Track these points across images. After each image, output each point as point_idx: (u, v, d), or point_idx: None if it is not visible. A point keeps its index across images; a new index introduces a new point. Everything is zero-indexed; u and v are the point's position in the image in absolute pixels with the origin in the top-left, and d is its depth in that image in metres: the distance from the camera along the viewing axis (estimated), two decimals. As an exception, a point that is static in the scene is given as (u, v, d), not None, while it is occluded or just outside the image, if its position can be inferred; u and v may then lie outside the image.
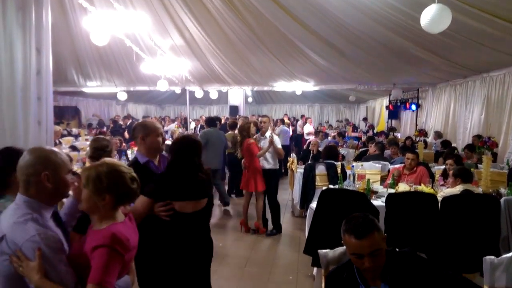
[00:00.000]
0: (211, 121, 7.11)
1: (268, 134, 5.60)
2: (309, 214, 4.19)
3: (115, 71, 10.71)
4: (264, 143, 5.52)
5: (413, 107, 11.72)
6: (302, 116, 16.63)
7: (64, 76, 10.72)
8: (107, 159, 1.71)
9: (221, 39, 8.07)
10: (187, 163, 2.40)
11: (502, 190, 4.19)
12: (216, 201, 6.97)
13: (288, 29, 6.97)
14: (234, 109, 15.82)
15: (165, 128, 12.10)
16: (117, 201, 1.63)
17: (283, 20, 6.53)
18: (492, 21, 4.67)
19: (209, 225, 2.61)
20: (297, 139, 13.40)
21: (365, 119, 17.56)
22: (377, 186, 4.83)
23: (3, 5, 3.64)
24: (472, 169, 4.57)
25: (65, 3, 7.35)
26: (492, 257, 2.15)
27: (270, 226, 5.55)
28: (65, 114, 14.03)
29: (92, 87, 11.99)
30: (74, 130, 11.97)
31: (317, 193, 4.62)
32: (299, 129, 13.96)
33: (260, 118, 5.94)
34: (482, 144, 4.77)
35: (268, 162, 5.48)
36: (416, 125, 11.46)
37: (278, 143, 5.53)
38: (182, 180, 2.35)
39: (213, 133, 6.82)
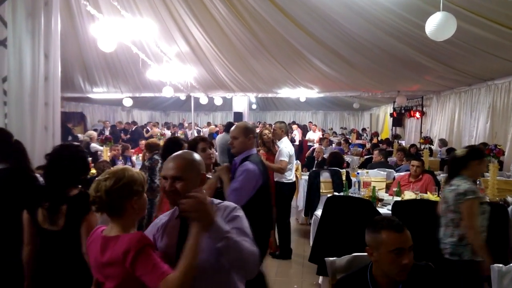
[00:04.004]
0: (227, 127, 7.26)
1: (280, 143, 4.88)
2: (314, 221, 4.18)
3: (121, 77, 10.79)
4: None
5: (418, 114, 11.70)
6: (309, 123, 16.56)
7: (71, 82, 10.81)
8: None
9: (226, 46, 8.13)
10: None
11: (509, 199, 4.16)
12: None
13: (292, 36, 7.01)
14: (238, 116, 15.84)
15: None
16: None
17: (288, 27, 6.57)
18: (497, 29, 4.68)
19: None
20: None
21: (363, 130, 17.28)
22: (382, 194, 4.81)
23: (13, 12, 3.69)
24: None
25: (73, 10, 7.44)
26: (500, 265, 2.13)
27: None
28: (71, 120, 14.09)
29: (98, 93, 12.07)
30: (80, 136, 12.01)
31: (322, 200, 4.61)
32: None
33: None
34: (489, 152, 4.72)
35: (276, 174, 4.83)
36: (421, 132, 11.43)
37: (283, 156, 4.68)
38: None
39: (221, 138, 7.26)
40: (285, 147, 4.77)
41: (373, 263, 1.78)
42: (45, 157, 2.21)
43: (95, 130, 13.71)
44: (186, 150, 1.82)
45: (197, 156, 1.66)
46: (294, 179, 4.90)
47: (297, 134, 13.57)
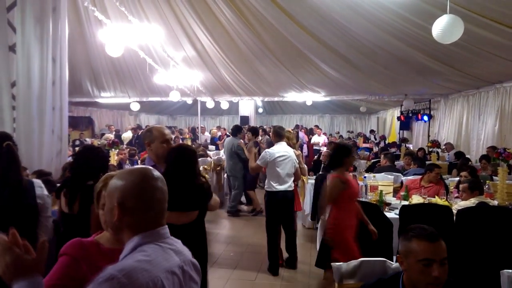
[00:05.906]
0: (234, 130, 7.37)
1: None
2: (320, 226, 4.15)
3: (128, 82, 10.88)
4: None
5: (425, 118, 11.61)
6: (315, 127, 16.47)
7: (79, 87, 10.92)
8: None
9: (232, 51, 8.16)
10: (183, 172, 2.48)
11: (519, 203, 4.10)
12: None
13: (298, 40, 7.02)
14: (244, 120, 15.87)
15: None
16: None
17: (294, 31, 6.58)
18: (505, 32, 4.63)
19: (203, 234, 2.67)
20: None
21: (372, 131, 17.27)
22: (390, 198, 4.77)
23: (22, 18, 3.74)
24: (487, 181, 4.48)
25: (81, 15, 7.54)
26: (510, 270, 2.10)
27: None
28: (79, 124, 14.25)
29: (106, 97, 12.18)
30: (88, 140, 12.13)
31: (329, 204, 4.57)
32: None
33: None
34: (498, 156, 4.66)
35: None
36: (429, 136, 11.33)
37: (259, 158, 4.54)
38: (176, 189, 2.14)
39: (229, 142, 7.28)
40: (266, 151, 4.47)
41: (404, 272, 1.71)
42: (72, 155, 2.62)
43: (102, 134, 13.87)
44: (131, 169, 1.27)
45: (123, 181, 1.18)
46: (278, 188, 4.33)
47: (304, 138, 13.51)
